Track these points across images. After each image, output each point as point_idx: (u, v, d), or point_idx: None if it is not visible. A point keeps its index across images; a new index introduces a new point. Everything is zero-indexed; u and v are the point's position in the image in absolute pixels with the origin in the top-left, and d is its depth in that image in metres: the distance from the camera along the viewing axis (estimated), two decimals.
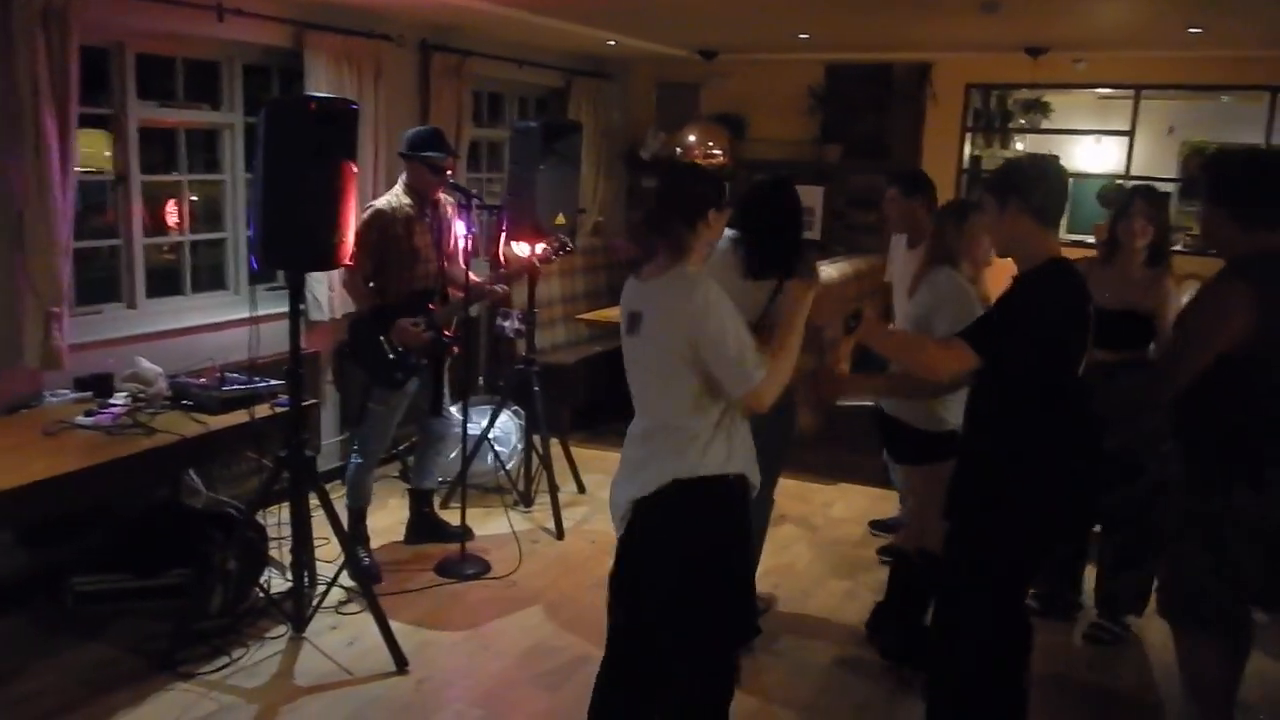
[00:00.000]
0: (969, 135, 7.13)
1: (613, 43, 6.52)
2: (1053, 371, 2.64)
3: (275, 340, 3.80)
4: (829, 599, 4.34)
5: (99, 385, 3.89)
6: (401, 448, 5.33)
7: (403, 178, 4.30)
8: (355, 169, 3.40)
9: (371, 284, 4.19)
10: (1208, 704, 2.95)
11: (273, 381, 3.88)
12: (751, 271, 3.36)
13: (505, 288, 4.76)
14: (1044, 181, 2.70)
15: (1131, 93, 6.66)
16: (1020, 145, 8.06)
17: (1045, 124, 7.44)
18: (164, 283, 4.78)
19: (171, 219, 5.35)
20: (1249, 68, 6.27)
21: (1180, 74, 6.51)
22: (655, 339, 2.55)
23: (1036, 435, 2.65)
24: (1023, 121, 7.48)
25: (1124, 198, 4.04)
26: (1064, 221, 7.02)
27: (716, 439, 2.54)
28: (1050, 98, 7.32)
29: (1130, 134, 6.67)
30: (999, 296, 2.73)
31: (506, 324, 5.27)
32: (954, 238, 3.44)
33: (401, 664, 3.57)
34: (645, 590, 2.68)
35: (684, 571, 2.58)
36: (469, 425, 4.57)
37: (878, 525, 5.04)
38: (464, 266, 4.26)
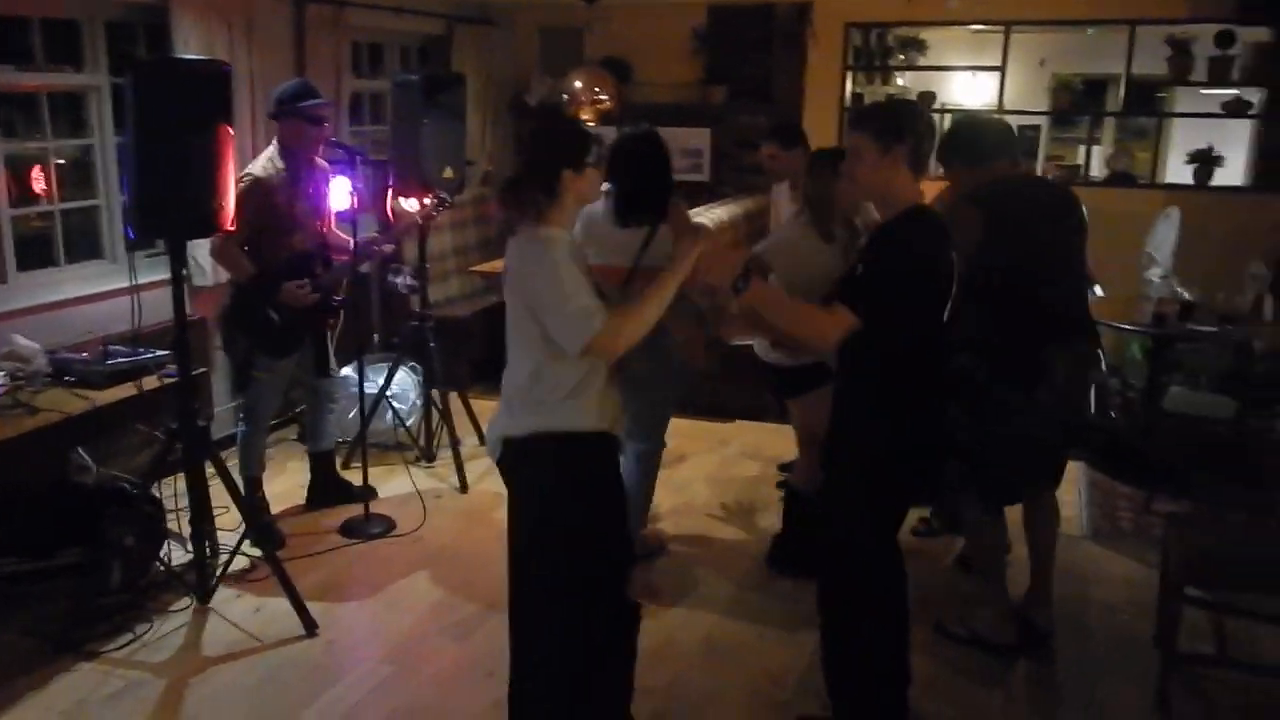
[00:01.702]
0: (850, 73, 7.25)
1: None
2: (924, 320, 2.71)
3: (158, 309, 3.70)
4: (728, 534, 4.49)
5: None
6: (298, 409, 5.28)
7: (275, 140, 4.20)
8: (232, 132, 3.33)
9: (246, 249, 4.10)
10: (994, 571, 3.63)
11: (159, 352, 3.80)
12: (620, 220, 3.40)
13: (392, 245, 4.72)
14: (926, 131, 2.73)
15: (1002, 28, 6.84)
16: (900, 81, 8.25)
17: (922, 61, 7.61)
18: (35, 254, 4.60)
19: (39, 186, 5.13)
20: (1112, 2, 6.50)
21: (1047, 9, 6.71)
22: (512, 293, 2.62)
23: (907, 380, 2.73)
24: (901, 58, 7.64)
25: None
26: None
27: (577, 396, 2.59)
28: (926, 35, 7.48)
29: (1002, 68, 6.87)
30: (869, 251, 2.78)
31: (399, 280, 5.23)
32: (829, 187, 3.51)
33: (310, 627, 3.59)
34: (518, 531, 2.78)
35: (539, 521, 2.69)
36: (365, 384, 4.56)
37: (785, 467, 5.17)
38: (350, 226, 4.21)
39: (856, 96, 7.41)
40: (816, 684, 3.19)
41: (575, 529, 2.67)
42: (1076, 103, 7.61)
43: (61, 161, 4.89)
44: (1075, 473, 5.01)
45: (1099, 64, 7.87)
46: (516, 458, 2.68)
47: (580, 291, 2.52)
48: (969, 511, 3.60)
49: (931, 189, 3.91)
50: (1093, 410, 5.37)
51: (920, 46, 7.49)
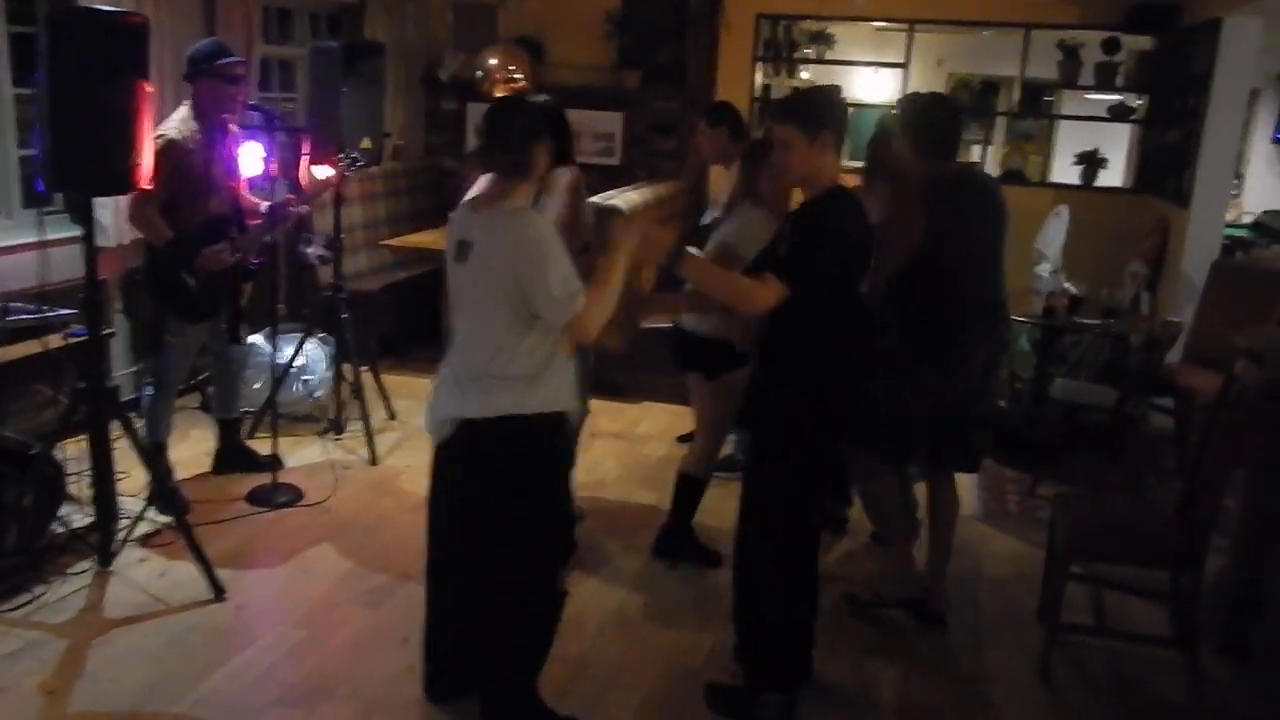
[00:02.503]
0: (759, 64, 7.40)
1: None
2: (846, 289, 2.88)
3: (58, 267, 3.60)
4: (638, 510, 4.57)
5: None
6: (201, 377, 5.17)
7: (187, 102, 4.11)
8: (150, 89, 3.25)
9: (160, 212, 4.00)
10: (890, 518, 3.80)
11: (63, 310, 3.69)
12: None
13: (307, 208, 4.65)
14: (844, 115, 2.93)
15: (905, 26, 7.08)
16: (805, 75, 8.45)
17: (830, 55, 7.80)
18: None
19: None
20: (1008, 6, 6.80)
21: (949, 10, 6.98)
22: (484, 270, 2.61)
23: (828, 346, 2.89)
24: (808, 52, 7.82)
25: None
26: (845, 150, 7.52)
27: (547, 376, 2.65)
28: (833, 29, 7.68)
29: (905, 66, 7.11)
30: (797, 226, 2.89)
31: (310, 250, 5.15)
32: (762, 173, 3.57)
33: (219, 592, 3.55)
34: (467, 509, 2.82)
35: (508, 497, 2.72)
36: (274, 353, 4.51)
37: (685, 439, 5.30)
38: (266, 190, 4.15)
39: (765, 88, 7.57)
40: (725, 655, 3.32)
41: (538, 512, 2.75)
42: (974, 102, 7.92)
43: None
44: None
45: (992, 66, 8.22)
46: (477, 439, 2.69)
47: (567, 273, 2.58)
48: (858, 470, 3.71)
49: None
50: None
51: (828, 41, 7.68)
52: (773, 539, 3.00)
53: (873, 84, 8.41)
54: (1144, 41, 6.81)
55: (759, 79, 7.41)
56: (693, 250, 3.01)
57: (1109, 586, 3.85)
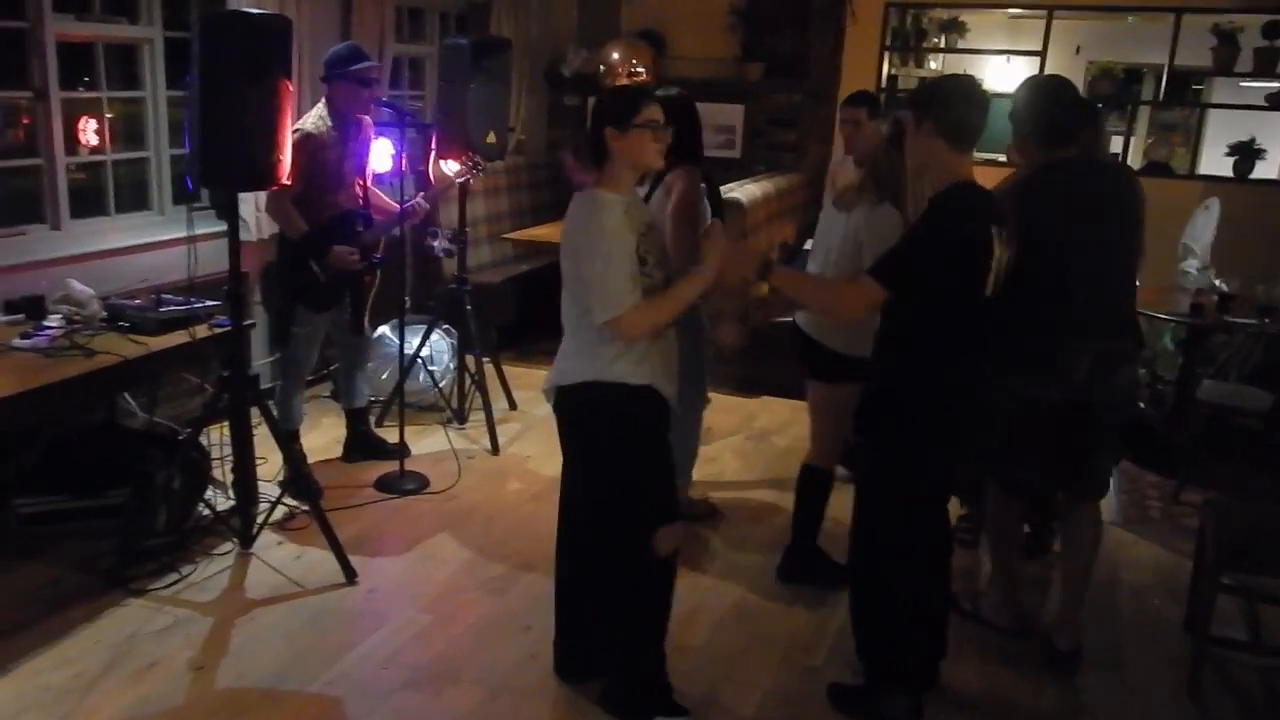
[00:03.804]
0: (886, 54, 7.23)
1: None
2: (957, 291, 2.71)
3: (206, 261, 3.76)
4: (756, 505, 4.54)
5: (31, 307, 3.79)
6: (333, 367, 5.34)
7: (323, 100, 4.25)
8: (292, 87, 3.37)
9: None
10: (1006, 548, 3.57)
11: (209, 302, 3.86)
12: None
13: (426, 205, 4.74)
14: (961, 103, 2.70)
15: (1044, 13, 6.81)
16: (934, 65, 8.22)
17: (961, 44, 7.57)
18: (79, 204, 4.64)
19: (85, 137, 5.17)
20: None
21: None
22: (564, 246, 2.75)
23: (940, 353, 2.76)
24: (937, 41, 7.61)
25: None
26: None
27: (628, 350, 2.68)
28: (965, 17, 7.46)
29: (1042, 54, 6.85)
30: (911, 226, 2.81)
31: (436, 243, 5.26)
32: (896, 168, 3.31)
33: (351, 575, 3.66)
34: (567, 478, 2.97)
35: (587, 466, 2.85)
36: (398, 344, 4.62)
37: None
38: (396, 187, 4.25)
39: (891, 78, 7.40)
40: (846, 652, 3.25)
41: (620, 480, 2.79)
42: (1117, 92, 7.55)
43: (110, 115, 4.93)
44: None
45: (1134, 53, 7.84)
46: (566, 406, 2.81)
47: (618, 267, 2.60)
48: (995, 498, 3.52)
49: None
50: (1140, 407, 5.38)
51: (960, 29, 7.46)
52: (889, 540, 2.93)
53: (1006, 74, 8.14)
54: None
55: (885, 69, 7.24)
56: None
57: (1264, 600, 3.63)
